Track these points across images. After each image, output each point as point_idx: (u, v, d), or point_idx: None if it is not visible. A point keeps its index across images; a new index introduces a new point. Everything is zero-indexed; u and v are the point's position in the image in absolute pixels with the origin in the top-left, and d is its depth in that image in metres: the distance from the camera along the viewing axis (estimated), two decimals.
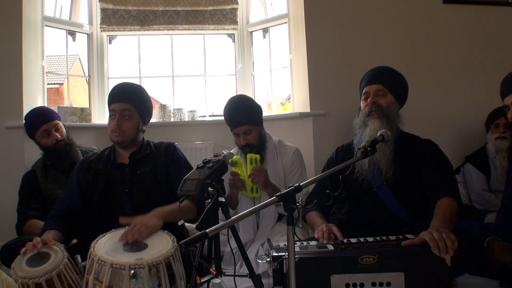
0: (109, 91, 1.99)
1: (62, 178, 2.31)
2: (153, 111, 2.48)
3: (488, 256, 1.67)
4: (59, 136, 2.29)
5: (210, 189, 1.40)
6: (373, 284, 1.31)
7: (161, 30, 3.32)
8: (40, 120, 2.29)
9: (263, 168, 2.10)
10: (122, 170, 1.91)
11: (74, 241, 1.98)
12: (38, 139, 2.32)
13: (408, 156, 1.80)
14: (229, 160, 2.13)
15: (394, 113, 1.82)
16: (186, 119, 3.29)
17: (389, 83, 1.84)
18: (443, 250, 1.28)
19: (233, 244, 1.52)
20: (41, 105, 2.92)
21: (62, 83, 11.17)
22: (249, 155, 2.12)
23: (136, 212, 1.75)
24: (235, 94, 3.06)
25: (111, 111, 1.92)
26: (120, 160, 1.94)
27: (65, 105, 3.15)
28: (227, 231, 1.71)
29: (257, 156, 2.11)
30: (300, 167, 2.29)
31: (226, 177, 2.33)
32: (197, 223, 1.33)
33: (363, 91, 1.89)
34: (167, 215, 1.63)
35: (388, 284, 1.31)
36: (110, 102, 1.94)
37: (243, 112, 2.20)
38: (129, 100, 1.91)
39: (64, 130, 2.37)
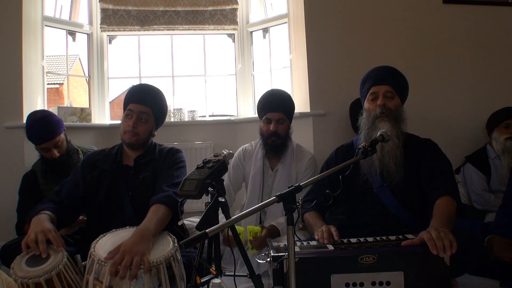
0: (129, 89, 1.93)
1: (62, 178, 2.30)
2: None
3: (488, 253, 1.67)
4: (57, 154, 2.24)
5: (210, 189, 1.40)
6: (373, 283, 1.32)
7: (161, 30, 3.32)
8: (39, 139, 2.22)
9: (260, 238, 1.98)
10: (127, 172, 1.88)
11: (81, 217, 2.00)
12: (37, 149, 2.30)
13: (409, 157, 1.80)
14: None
15: (401, 116, 1.81)
16: (186, 119, 3.29)
17: (397, 85, 1.82)
18: (440, 250, 1.29)
19: None
20: (41, 106, 2.93)
21: (62, 83, 11.18)
22: (249, 228, 1.99)
23: (137, 215, 1.74)
24: None
25: (128, 110, 1.87)
26: (126, 162, 1.91)
27: (65, 105, 3.15)
28: (227, 231, 1.71)
29: (258, 229, 2.00)
30: (313, 175, 2.28)
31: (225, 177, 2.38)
32: (197, 223, 1.33)
33: (370, 91, 1.85)
34: (156, 231, 1.53)
35: (388, 283, 1.32)
36: (128, 101, 1.89)
37: (283, 101, 2.24)
38: (150, 104, 1.88)
39: (65, 143, 2.31)
